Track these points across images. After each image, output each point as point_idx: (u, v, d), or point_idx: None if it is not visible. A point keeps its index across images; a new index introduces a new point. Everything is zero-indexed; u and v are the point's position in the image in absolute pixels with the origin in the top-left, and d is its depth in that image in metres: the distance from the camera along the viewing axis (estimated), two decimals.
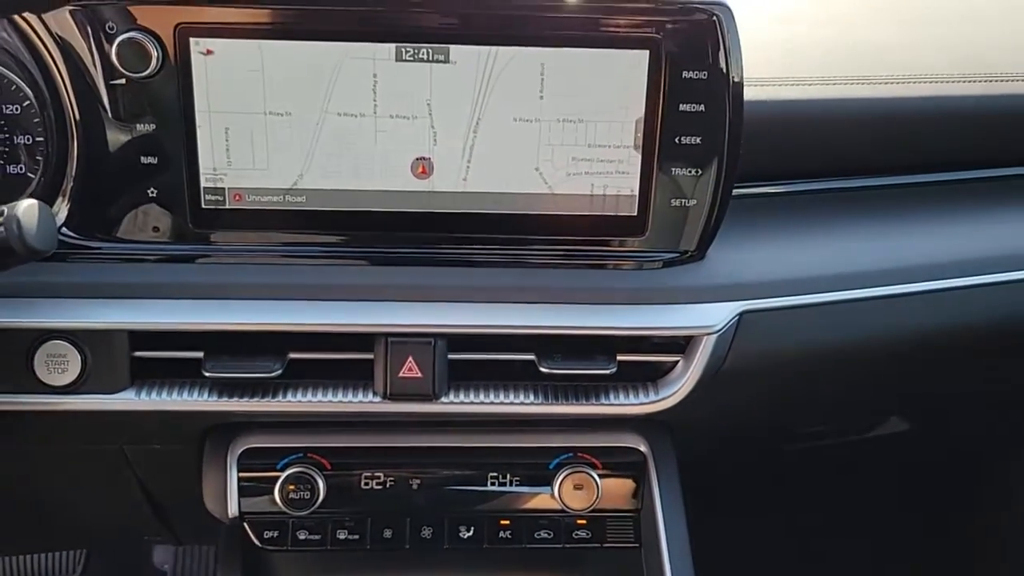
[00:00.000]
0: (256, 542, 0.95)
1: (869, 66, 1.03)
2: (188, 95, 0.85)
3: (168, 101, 0.85)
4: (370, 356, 0.89)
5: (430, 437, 0.97)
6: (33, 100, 1.01)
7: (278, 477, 0.93)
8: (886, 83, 0.99)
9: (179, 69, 0.84)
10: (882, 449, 1.21)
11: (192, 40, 0.84)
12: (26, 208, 0.72)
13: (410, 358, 0.87)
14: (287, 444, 0.95)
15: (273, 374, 0.87)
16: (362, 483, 0.96)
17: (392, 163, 0.89)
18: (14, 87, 1.01)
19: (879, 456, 1.22)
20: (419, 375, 0.88)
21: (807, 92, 1.00)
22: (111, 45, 0.83)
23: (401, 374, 0.88)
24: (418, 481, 0.96)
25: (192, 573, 1.82)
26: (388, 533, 0.96)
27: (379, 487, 0.96)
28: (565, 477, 0.95)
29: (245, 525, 0.95)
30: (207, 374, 0.87)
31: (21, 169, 1.02)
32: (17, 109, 1.01)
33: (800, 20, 1.19)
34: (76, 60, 0.86)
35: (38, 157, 1.02)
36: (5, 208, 0.77)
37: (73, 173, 0.91)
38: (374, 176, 0.89)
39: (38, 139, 1.02)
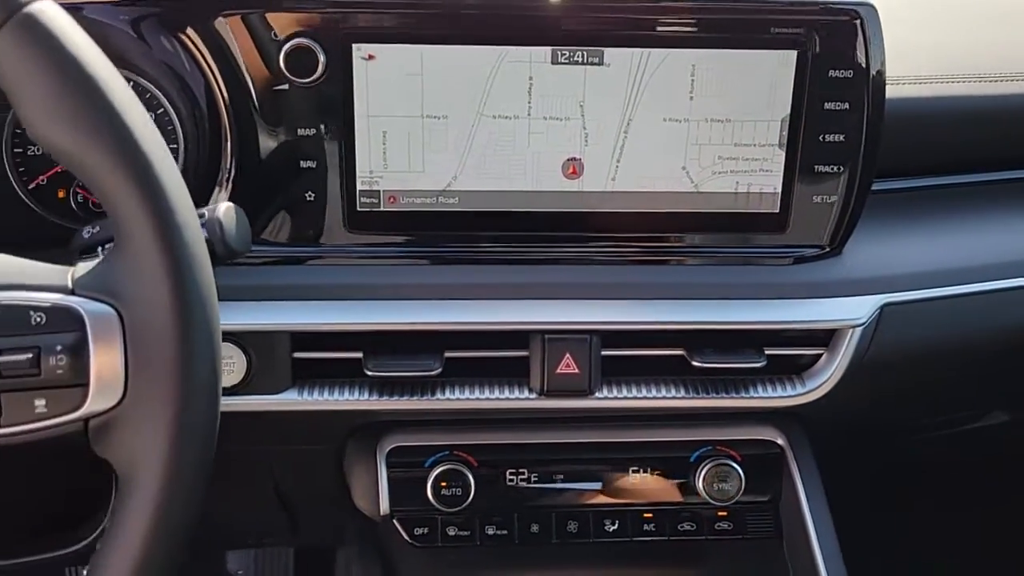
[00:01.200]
0: (407, 539, 0.97)
1: (989, 63, 1.05)
2: (348, 100, 0.87)
3: (329, 106, 0.87)
4: (524, 353, 0.91)
5: (571, 433, 0.99)
6: (168, 108, 1.03)
7: (428, 475, 0.95)
8: (1010, 80, 1.02)
9: (342, 74, 0.86)
10: (997, 439, 1.23)
11: (355, 46, 0.86)
12: (226, 210, 0.74)
13: (567, 355, 0.89)
14: (433, 442, 0.97)
15: (434, 372, 0.88)
16: (507, 479, 0.97)
17: (544, 164, 0.90)
18: (148, 95, 1.03)
19: (993, 447, 1.24)
20: (576, 371, 0.89)
21: (932, 90, 1.02)
22: (278, 51, 0.85)
23: (559, 370, 0.89)
24: (562, 476, 0.98)
25: None
26: (535, 528, 0.97)
27: (524, 483, 0.98)
28: (707, 470, 0.97)
29: (395, 522, 0.97)
30: (369, 373, 0.88)
31: None
32: (152, 116, 1.03)
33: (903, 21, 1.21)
34: (235, 67, 0.87)
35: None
36: (205, 211, 0.78)
37: (228, 179, 0.93)
38: (525, 177, 0.91)
39: (171, 146, 1.04)
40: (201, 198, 1.00)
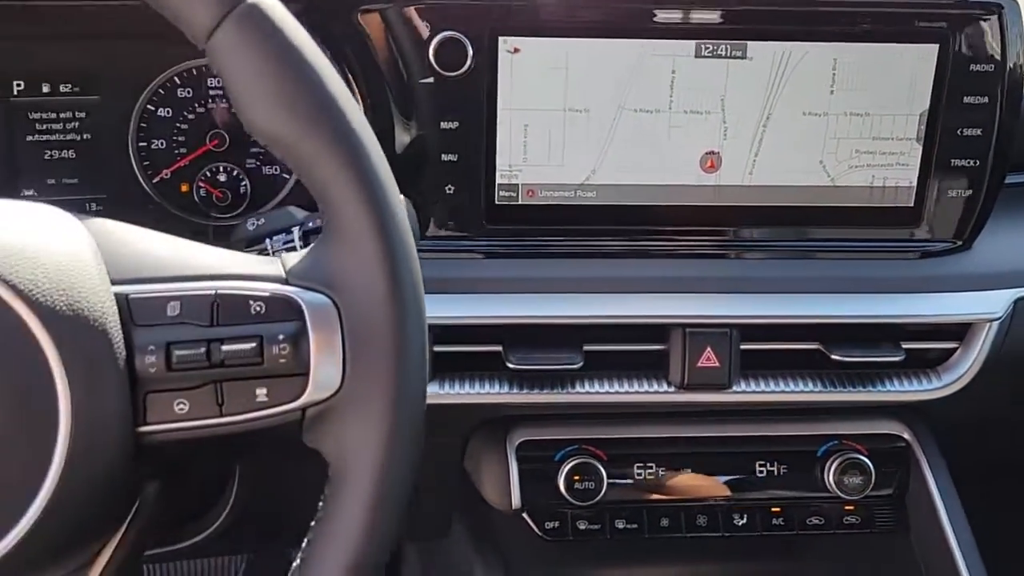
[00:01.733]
0: (537, 532, 0.97)
1: None
2: (493, 93, 0.87)
3: (474, 99, 0.87)
4: (662, 347, 0.91)
5: (697, 427, 0.99)
6: None
7: (559, 468, 0.95)
8: None
9: (488, 67, 0.86)
10: None
11: (501, 39, 0.86)
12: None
13: (708, 348, 0.89)
14: (562, 436, 0.97)
15: (576, 366, 0.88)
16: (636, 473, 0.97)
17: (682, 158, 0.91)
18: None
19: None
20: (716, 365, 0.89)
21: None
22: (427, 45, 0.85)
23: (699, 364, 0.89)
24: (689, 470, 0.98)
25: None
26: (665, 522, 0.98)
27: (652, 477, 0.98)
28: (835, 464, 0.97)
29: (525, 516, 0.97)
30: (511, 366, 0.88)
31: (276, 169, 1.04)
32: None
33: None
34: (376, 61, 0.87)
35: None
36: None
37: None
38: (664, 171, 0.91)
39: None
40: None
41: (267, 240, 0.76)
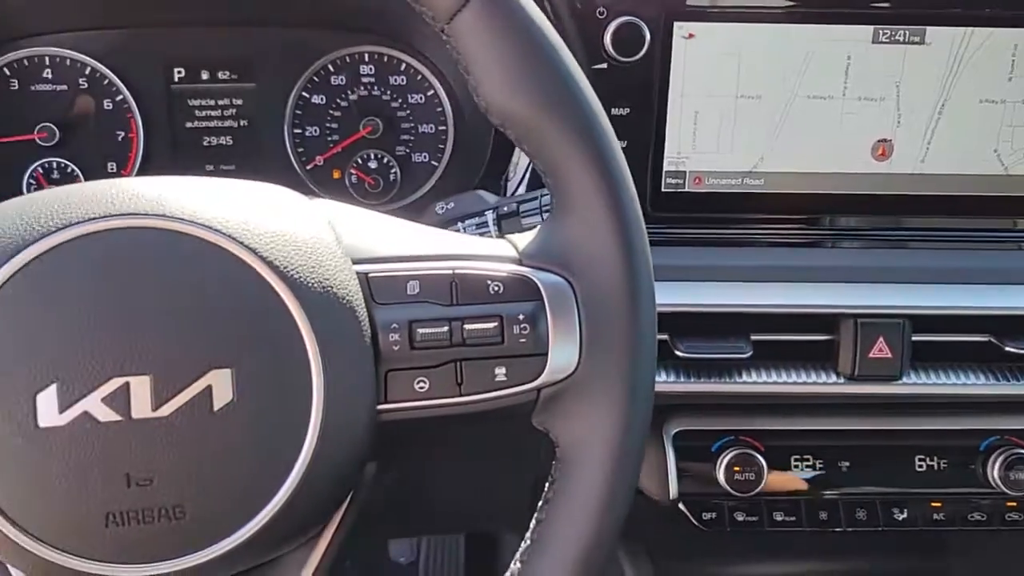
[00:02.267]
0: (695, 523, 0.96)
1: None
2: (665, 79, 0.86)
3: (645, 85, 0.86)
4: (831, 337, 0.89)
5: (856, 420, 0.97)
6: (439, 89, 1.03)
7: (718, 459, 0.94)
8: None
9: (661, 53, 0.85)
10: None
11: (676, 24, 0.85)
12: None
13: (881, 338, 0.88)
14: (719, 427, 0.96)
15: (745, 355, 0.87)
16: (793, 465, 0.96)
17: (853, 145, 0.89)
18: (420, 76, 1.03)
19: None
20: (888, 355, 0.88)
21: None
22: (605, 29, 0.84)
23: (870, 354, 0.88)
24: (847, 463, 0.96)
25: (437, 564, 1.84)
26: (824, 515, 0.96)
27: (809, 468, 0.96)
28: (1000, 459, 0.95)
29: (682, 506, 0.96)
30: (680, 355, 0.88)
31: (425, 157, 1.05)
32: (422, 99, 1.04)
33: None
34: None
35: (440, 146, 1.04)
36: (538, 193, 0.78)
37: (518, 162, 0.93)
38: (834, 158, 0.89)
39: (440, 128, 1.05)
40: (461, 179, 1.01)
41: (459, 224, 0.76)
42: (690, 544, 0.99)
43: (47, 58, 0.96)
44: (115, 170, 0.98)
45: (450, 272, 0.57)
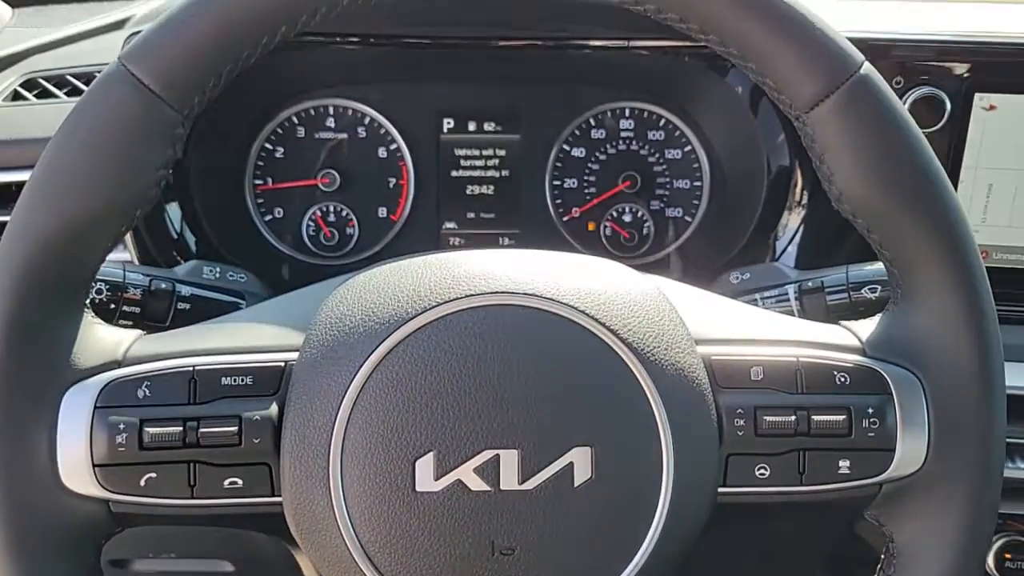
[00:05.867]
0: None
1: None
2: (959, 150, 0.84)
3: (939, 156, 0.84)
4: None
5: None
6: (696, 145, 1.04)
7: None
8: None
9: (960, 124, 0.83)
10: None
11: (977, 96, 0.83)
12: None
13: None
14: None
15: None
16: None
17: None
18: (678, 132, 1.03)
19: None
20: None
21: None
22: (903, 99, 0.83)
23: None
24: None
25: None
26: None
27: None
28: None
29: None
30: None
31: (679, 212, 1.05)
32: (679, 154, 1.04)
33: None
34: None
35: (695, 201, 1.04)
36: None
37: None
38: None
39: (696, 183, 1.05)
40: (710, 235, 1.00)
41: (756, 295, 0.75)
42: None
43: (331, 107, 1.01)
44: (385, 215, 1.02)
45: (794, 360, 0.57)
